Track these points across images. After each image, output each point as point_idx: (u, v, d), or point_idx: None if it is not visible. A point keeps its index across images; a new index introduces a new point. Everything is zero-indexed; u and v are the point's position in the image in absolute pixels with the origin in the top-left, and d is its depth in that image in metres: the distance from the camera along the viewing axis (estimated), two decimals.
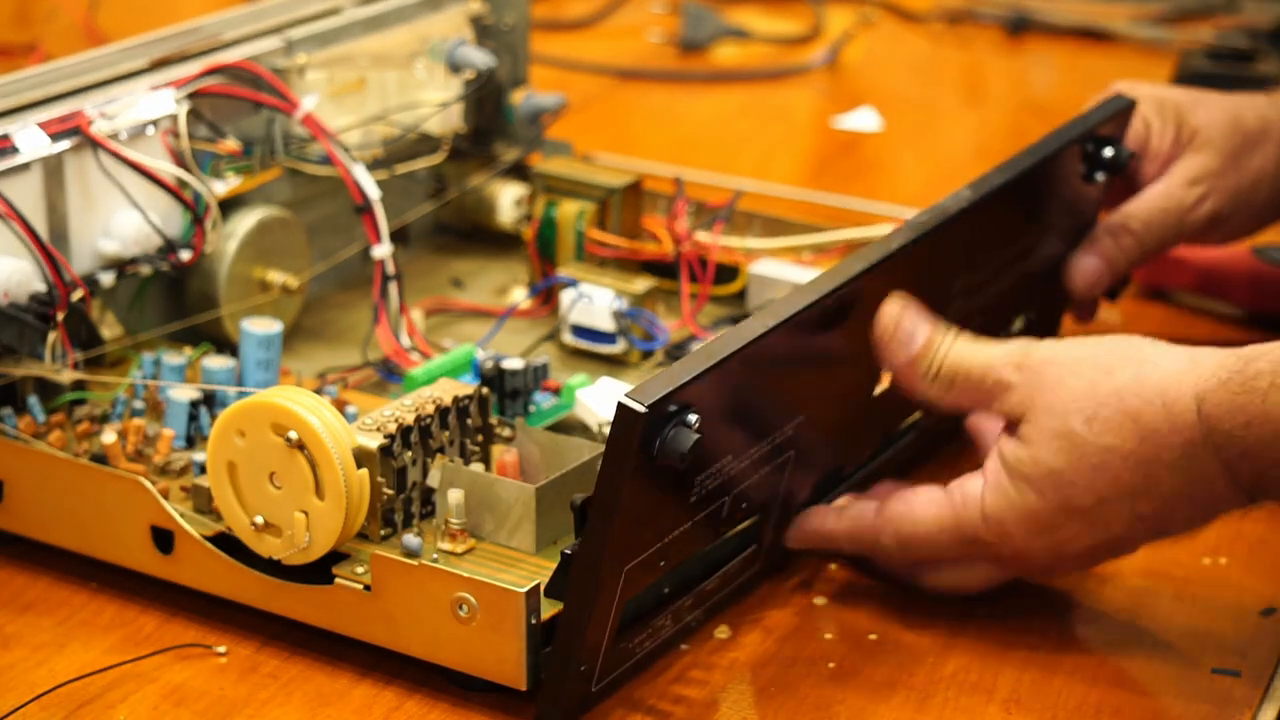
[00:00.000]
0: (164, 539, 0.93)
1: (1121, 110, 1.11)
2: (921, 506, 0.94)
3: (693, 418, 0.81)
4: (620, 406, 0.80)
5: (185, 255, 1.07)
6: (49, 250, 1.00)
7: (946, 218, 0.97)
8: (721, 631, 0.94)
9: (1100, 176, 1.10)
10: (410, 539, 0.90)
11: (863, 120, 1.61)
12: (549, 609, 0.86)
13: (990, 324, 1.07)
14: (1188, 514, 0.92)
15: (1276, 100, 1.20)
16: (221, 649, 0.92)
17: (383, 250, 1.10)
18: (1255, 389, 0.87)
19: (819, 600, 0.97)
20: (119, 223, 1.05)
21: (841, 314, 0.92)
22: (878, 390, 0.98)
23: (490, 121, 1.28)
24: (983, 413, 0.95)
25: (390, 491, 0.92)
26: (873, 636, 0.95)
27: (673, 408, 0.81)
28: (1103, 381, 0.91)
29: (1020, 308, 1.11)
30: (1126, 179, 1.16)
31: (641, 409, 0.79)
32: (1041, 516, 0.91)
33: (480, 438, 0.96)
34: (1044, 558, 0.93)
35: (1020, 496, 0.91)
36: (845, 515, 0.96)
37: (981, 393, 0.93)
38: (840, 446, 0.98)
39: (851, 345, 0.95)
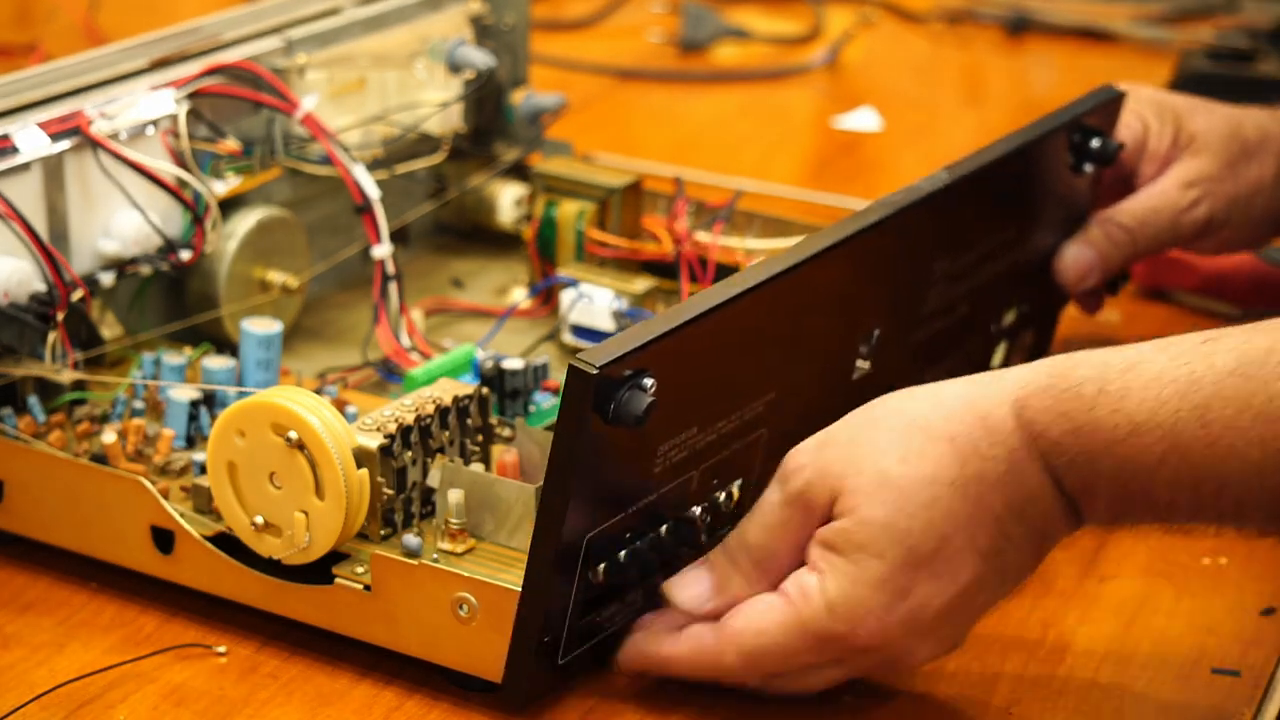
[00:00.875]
0: (164, 539, 0.93)
1: (1109, 101, 1.11)
2: (760, 615, 0.86)
3: (649, 382, 0.81)
4: (571, 368, 0.80)
5: (185, 255, 1.07)
6: (49, 250, 1.00)
7: (920, 197, 0.97)
8: None
9: (1089, 168, 1.10)
10: (410, 539, 0.90)
11: (863, 120, 1.61)
12: None
13: (979, 313, 1.07)
14: (1021, 540, 0.85)
15: (1278, 114, 1.20)
16: (221, 649, 0.92)
17: (383, 250, 1.10)
18: (1081, 395, 0.83)
19: None
20: (119, 223, 1.05)
21: (811, 290, 0.92)
22: (856, 375, 0.99)
23: (490, 121, 1.28)
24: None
25: (390, 491, 0.92)
26: None
27: (628, 372, 0.81)
28: (901, 425, 0.85)
29: (1012, 300, 1.11)
30: (1124, 179, 1.16)
31: (592, 370, 0.79)
32: (890, 581, 0.84)
33: (480, 438, 0.96)
34: (902, 634, 0.85)
35: (860, 568, 0.84)
36: (683, 639, 0.88)
37: (793, 528, 0.86)
38: (817, 429, 0.98)
39: (823, 324, 0.94)
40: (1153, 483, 0.82)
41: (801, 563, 0.86)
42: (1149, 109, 1.16)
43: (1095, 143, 1.09)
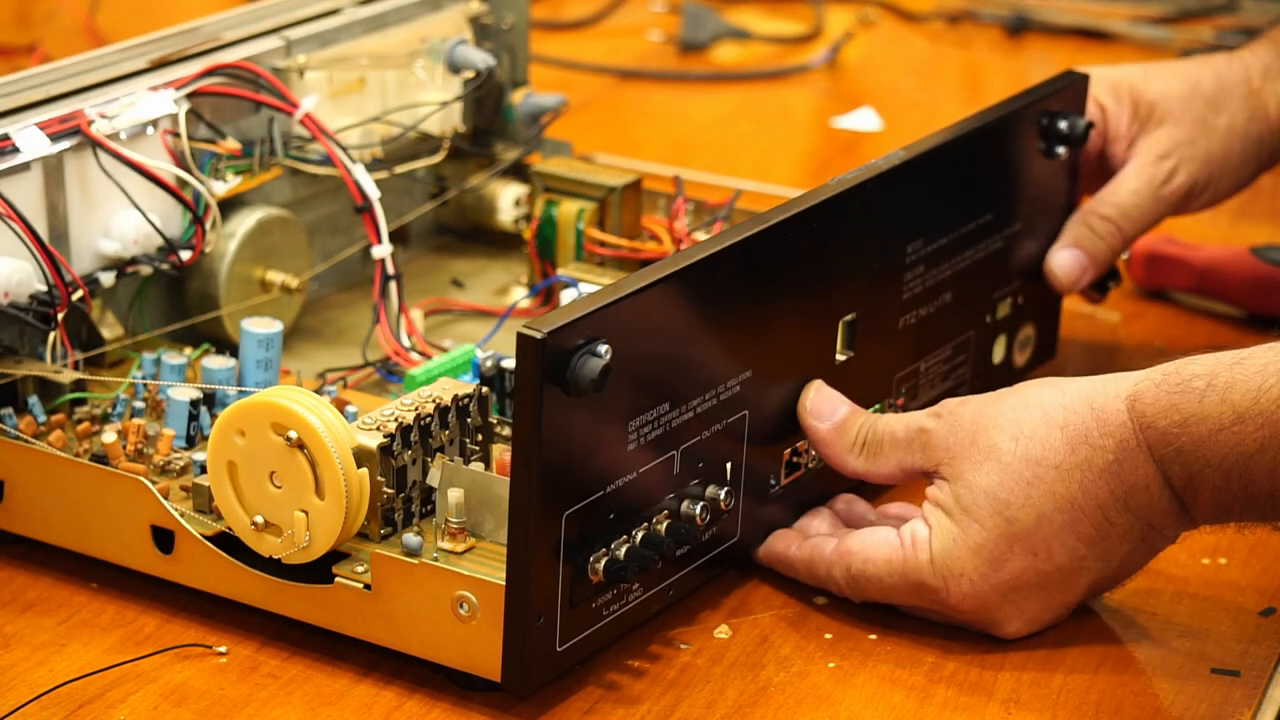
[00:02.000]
0: (164, 539, 0.93)
1: (1073, 84, 1.11)
2: (874, 546, 0.93)
3: (604, 348, 0.82)
4: (520, 335, 0.81)
5: (185, 255, 1.07)
6: (49, 250, 1.00)
7: (875, 173, 0.98)
8: (721, 631, 0.95)
9: (1061, 151, 1.10)
10: (410, 538, 0.90)
11: (863, 120, 1.61)
12: None
13: (967, 302, 1.07)
14: (1126, 528, 0.90)
15: (1234, 58, 1.19)
16: (222, 649, 0.92)
17: (383, 250, 1.10)
18: (1191, 389, 0.87)
19: (819, 600, 0.97)
20: (119, 223, 1.05)
21: (768, 262, 0.92)
22: (839, 361, 0.99)
23: (490, 121, 1.29)
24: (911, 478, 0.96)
25: (390, 491, 0.92)
26: (873, 636, 0.95)
27: (580, 341, 0.82)
28: (1023, 405, 0.91)
29: (1002, 290, 1.10)
30: (1100, 168, 1.15)
31: (538, 335, 0.80)
32: (987, 547, 0.90)
33: (480, 437, 0.96)
34: (996, 601, 0.91)
35: (963, 531, 0.91)
36: (805, 545, 0.96)
37: (907, 450, 0.93)
38: None
39: (791, 301, 0.95)
40: (1253, 470, 0.86)
41: (897, 480, 0.95)
42: (1102, 91, 1.15)
43: (1063, 124, 1.09)
